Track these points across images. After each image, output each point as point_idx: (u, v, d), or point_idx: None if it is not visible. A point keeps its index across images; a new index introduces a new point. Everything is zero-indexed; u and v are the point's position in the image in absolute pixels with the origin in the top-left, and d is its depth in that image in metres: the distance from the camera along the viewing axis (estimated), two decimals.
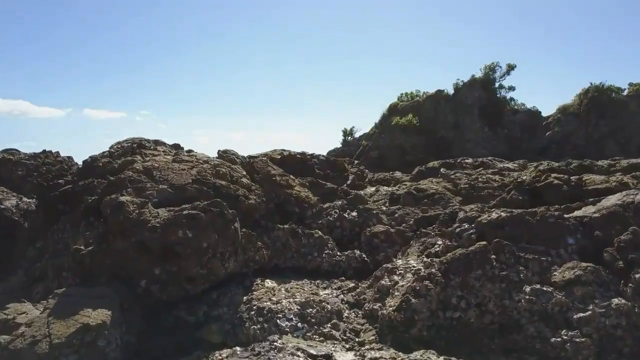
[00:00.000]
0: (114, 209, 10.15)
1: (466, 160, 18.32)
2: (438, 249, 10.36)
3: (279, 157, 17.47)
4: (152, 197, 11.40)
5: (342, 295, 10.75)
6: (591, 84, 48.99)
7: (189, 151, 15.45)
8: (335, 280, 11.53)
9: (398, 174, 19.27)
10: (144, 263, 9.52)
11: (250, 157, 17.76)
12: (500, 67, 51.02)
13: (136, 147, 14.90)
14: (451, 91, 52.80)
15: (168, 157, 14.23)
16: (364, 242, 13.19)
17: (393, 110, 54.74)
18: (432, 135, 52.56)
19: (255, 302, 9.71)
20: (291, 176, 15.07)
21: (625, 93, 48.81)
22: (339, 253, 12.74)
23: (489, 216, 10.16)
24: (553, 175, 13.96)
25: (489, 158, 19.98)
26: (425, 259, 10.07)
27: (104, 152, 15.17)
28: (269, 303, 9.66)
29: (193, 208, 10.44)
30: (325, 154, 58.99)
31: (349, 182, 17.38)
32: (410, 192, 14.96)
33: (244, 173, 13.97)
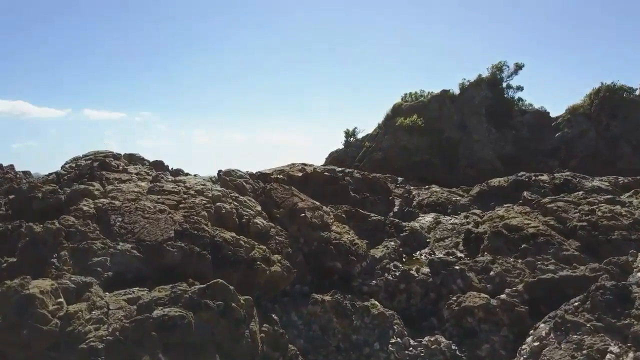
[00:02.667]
0: (16, 311, 4.62)
1: (541, 177, 12.82)
2: None
3: (301, 174, 11.89)
4: (101, 269, 5.86)
5: None
6: (602, 83, 43.66)
7: (176, 173, 9.80)
8: None
9: (454, 195, 13.73)
10: None
11: (262, 175, 12.17)
12: (508, 66, 45.60)
13: (97, 166, 9.25)
14: (457, 91, 47.28)
15: (142, 183, 8.64)
16: (449, 320, 7.74)
17: (397, 110, 49.08)
18: (437, 136, 46.97)
19: None
20: (324, 208, 9.57)
21: (637, 93, 43.55)
22: (411, 341, 7.29)
23: None
24: None
25: (570, 174, 14.51)
26: None
27: (50, 175, 9.52)
28: None
29: (174, 302, 4.90)
30: (327, 155, 53.53)
31: (395, 209, 11.82)
32: (500, 231, 9.45)
33: (259, 209, 8.42)
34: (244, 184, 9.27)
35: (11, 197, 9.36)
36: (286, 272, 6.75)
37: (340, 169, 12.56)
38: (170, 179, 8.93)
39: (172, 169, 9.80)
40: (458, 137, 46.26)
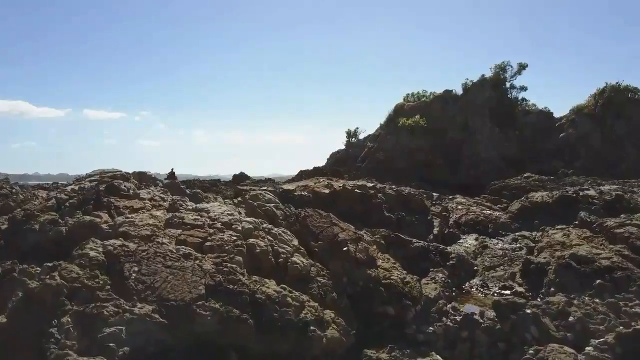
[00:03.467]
0: None
1: (588, 192, 11.42)
2: None
3: (328, 191, 10.45)
4: (115, 344, 4.42)
5: None
6: (607, 84, 42.45)
7: (195, 196, 8.30)
8: None
9: (493, 212, 12.30)
10: None
11: (285, 192, 10.74)
12: (512, 66, 44.25)
13: (104, 190, 7.77)
14: (460, 91, 45.95)
15: (158, 213, 7.17)
16: None
17: (399, 111, 47.70)
18: (440, 136, 45.60)
19: None
20: (365, 237, 8.14)
21: None
22: None
23: None
24: None
25: (619, 187, 13.13)
26: None
27: (49, 197, 8.03)
28: None
29: None
30: (329, 156, 52.02)
31: (436, 231, 10.41)
32: (568, 264, 8.07)
33: (296, 244, 6.99)
34: (275, 210, 7.82)
35: (4, 227, 7.86)
36: (345, 337, 5.32)
37: (371, 184, 11.11)
38: (190, 207, 7.46)
39: (190, 191, 8.32)
40: (461, 137, 44.94)
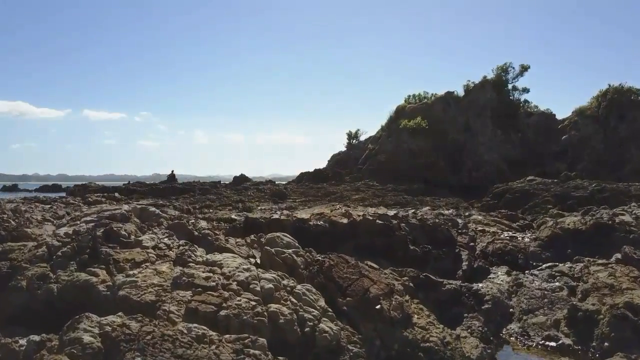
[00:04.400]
0: None
1: (624, 218, 10.40)
2: None
3: (346, 221, 9.41)
4: None
5: None
6: (609, 85, 41.51)
7: (204, 239, 7.26)
8: None
9: (521, 240, 11.29)
10: None
11: (301, 222, 9.71)
12: (514, 67, 43.23)
13: (102, 236, 6.72)
14: (461, 92, 44.96)
15: (164, 267, 6.13)
16: None
17: (400, 112, 46.67)
18: (442, 138, 44.57)
19: None
20: (397, 285, 7.14)
21: None
22: None
23: None
24: None
25: None
26: None
27: (38, 246, 6.96)
28: None
29: None
30: (329, 157, 50.90)
31: (464, 266, 9.41)
32: (624, 315, 7.10)
33: (322, 305, 5.96)
34: (294, 257, 6.80)
35: None
36: None
37: (392, 212, 10.12)
38: (200, 259, 6.42)
39: (197, 232, 7.27)
40: (463, 139, 43.99)
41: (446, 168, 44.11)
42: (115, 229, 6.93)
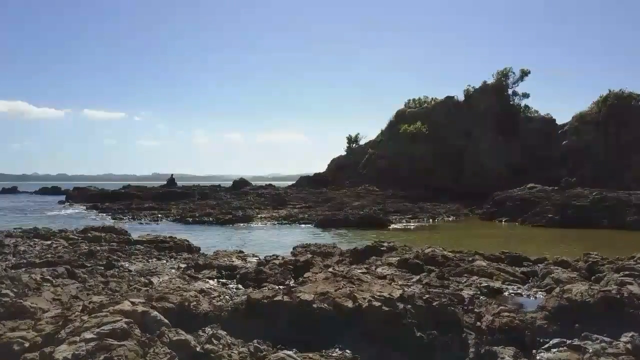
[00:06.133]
0: None
1: (631, 287, 9.65)
2: None
3: (352, 305, 8.64)
4: None
5: None
6: (610, 90, 40.59)
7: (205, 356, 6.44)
8: None
9: (516, 293, 10.49)
10: None
11: (304, 305, 8.97)
12: (514, 72, 42.31)
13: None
14: (461, 97, 44.02)
15: None
16: None
17: (400, 116, 45.85)
18: (442, 143, 43.81)
19: None
20: None
21: None
22: None
23: None
24: None
25: None
26: None
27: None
28: None
29: None
30: (329, 158, 49.96)
31: (472, 354, 8.62)
32: None
33: None
34: None
35: None
36: None
37: (398, 292, 9.25)
38: None
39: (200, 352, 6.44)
40: (463, 144, 43.22)
41: (446, 173, 43.31)
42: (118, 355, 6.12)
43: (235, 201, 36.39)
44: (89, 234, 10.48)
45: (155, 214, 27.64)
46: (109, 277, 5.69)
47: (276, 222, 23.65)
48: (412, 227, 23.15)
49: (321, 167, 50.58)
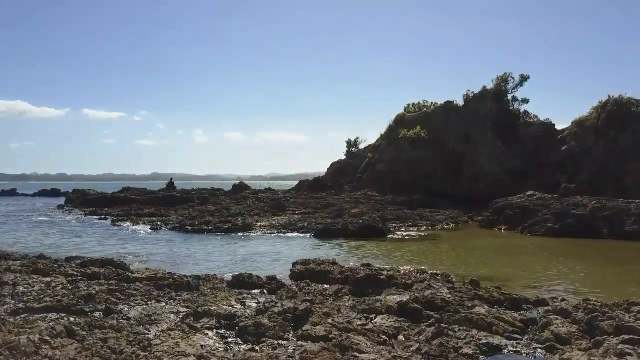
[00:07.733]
0: None
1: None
2: None
3: None
4: None
5: None
6: (609, 96, 40.47)
7: None
8: None
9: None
10: None
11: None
12: (513, 78, 42.19)
13: None
14: (461, 102, 43.92)
15: None
16: None
17: (400, 121, 45.73)
18: (441, 147, 43.68)
19: None
20: None
21: None
22: None
23: None
24: None
25: None
26: None
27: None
28: None
29: None
30: (328, 157, 50.01)
31: None
32: None
33: None
34: None
35: None
36: None
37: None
38: None
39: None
40: (463, 149, 43.09)
41: (446, 178, 43.18)
42: None
43: (235, 206, 36.23)
44: (87, 270, 10.47)
45: (155, 222, 27.53)
46: (107, 330, 5.59)
47: (275, 231, 23.54)
48: (411, 236, 23.04)
49: (321, 167, 50.55)
